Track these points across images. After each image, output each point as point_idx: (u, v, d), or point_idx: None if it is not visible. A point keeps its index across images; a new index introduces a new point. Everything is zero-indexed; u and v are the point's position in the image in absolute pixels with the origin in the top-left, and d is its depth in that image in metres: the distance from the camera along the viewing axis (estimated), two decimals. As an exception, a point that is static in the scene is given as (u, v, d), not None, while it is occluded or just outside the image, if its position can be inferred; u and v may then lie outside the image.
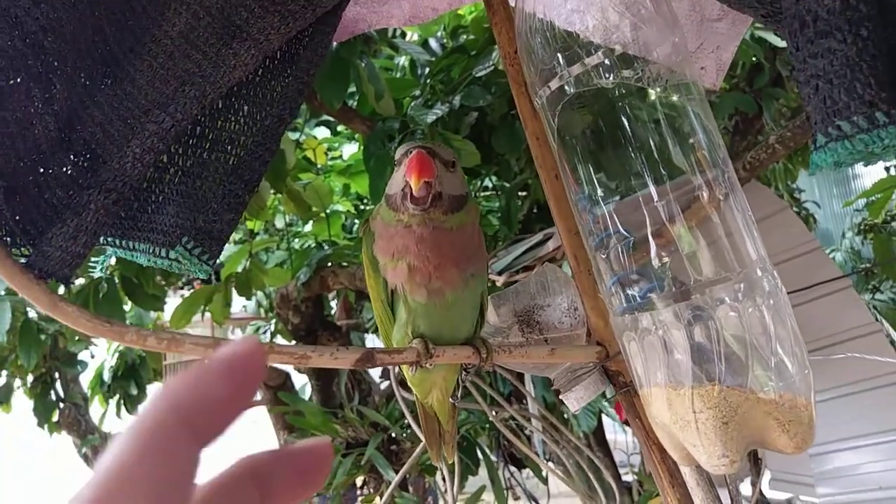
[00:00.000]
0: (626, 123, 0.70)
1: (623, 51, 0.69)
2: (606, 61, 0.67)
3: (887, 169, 4.41)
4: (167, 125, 0.72)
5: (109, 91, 0.76)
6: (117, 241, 0.82)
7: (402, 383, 2.37)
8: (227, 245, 0.81)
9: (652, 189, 0.68)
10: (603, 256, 0.70)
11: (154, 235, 0.79)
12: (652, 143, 0.69)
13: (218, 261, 0.86)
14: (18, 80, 0.65)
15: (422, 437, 1.22)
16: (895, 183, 2.74)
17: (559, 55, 0.68)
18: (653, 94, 0.69)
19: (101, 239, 0.81)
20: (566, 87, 0.68)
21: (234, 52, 0.75)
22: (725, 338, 0.59)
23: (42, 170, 0.71)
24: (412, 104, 1.99)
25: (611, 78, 0.67)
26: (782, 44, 2.54)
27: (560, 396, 0.78)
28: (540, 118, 0.75)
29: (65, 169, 0.72)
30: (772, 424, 0.57)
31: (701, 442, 0.59)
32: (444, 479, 2.94)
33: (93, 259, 0.83)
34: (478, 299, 0.78)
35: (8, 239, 0.68)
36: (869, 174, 6.80)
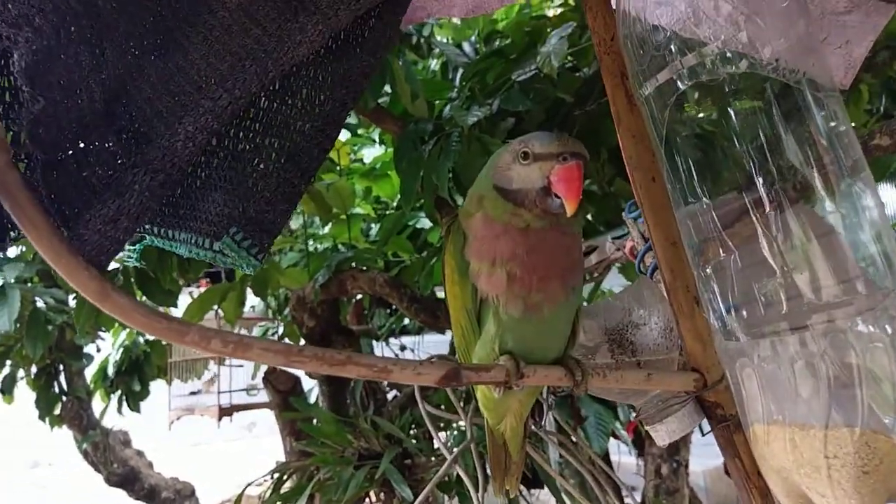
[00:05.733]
0: (739, 122, 0.62)
1: (736, 46, 0.61)
2: (726, 52, 0.59)
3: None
4: (224, 103, 0.65)
5: (160, 63, 0.68)
6: (155, 230, 0.74)
7: (425, 395, 2.26)
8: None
9: (764, 197, 0.61)
10: (707, 272, 0.62)
11: (198, 224, 0.72)
12: (768, 146, 0.61)
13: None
14: (69, 39, 0.58)
15: (446, 453, 1.12)
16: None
17: (672, 44, 0.61)
18: (771, 89, 0.61)
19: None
20: (678, 80, 0.61)
21: (300, 26, 0.68)
22: (869, 371, 0.51)
23: (83, 144, 0.64)
24: (449, 105, 1.92)
25: (731, 69, 0.59)
26: None
27: (647, 428, 0.70)
28: (637, 114, 0.67)
29: (107, 145, 0.65)
30: (924, 477, 0.49)
31: (833, 493, 0.51)
32: (449, 497, 2.83)
33: (128, 247, 0.76)
34: (573, 315, 0.70)
35: (41, 220, 0.60)
36: None
